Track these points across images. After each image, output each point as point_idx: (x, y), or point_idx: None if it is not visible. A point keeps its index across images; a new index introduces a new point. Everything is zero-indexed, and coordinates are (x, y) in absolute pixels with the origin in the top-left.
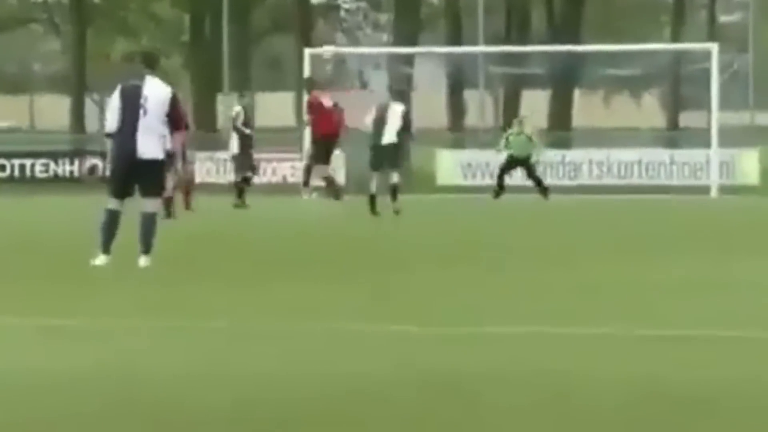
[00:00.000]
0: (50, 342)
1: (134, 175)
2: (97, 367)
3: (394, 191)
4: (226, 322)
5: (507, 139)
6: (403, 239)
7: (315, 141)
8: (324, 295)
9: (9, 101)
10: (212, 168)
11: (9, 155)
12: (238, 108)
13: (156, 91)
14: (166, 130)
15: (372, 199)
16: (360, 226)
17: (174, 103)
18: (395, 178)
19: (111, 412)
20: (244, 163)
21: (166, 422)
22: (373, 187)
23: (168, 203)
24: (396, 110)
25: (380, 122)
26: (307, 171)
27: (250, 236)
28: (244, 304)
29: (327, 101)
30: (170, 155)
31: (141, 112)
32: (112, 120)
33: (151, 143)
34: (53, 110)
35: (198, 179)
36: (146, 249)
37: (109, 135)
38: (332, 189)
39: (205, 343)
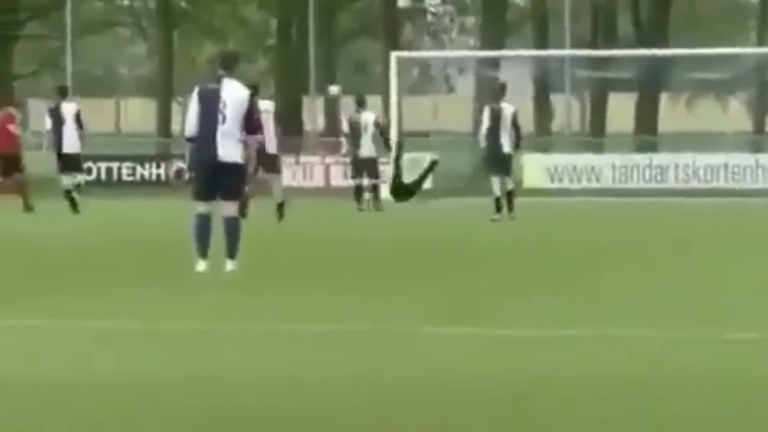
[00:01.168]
0: (140, 346)
1: (215, 179)
2: (187, 370)
3: (509, 197)
4: (310, 325)
5: None
6: (496, 241)
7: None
8: (412, 298)
9: (95, 104)
10: (298, 172)
11: (96, 158)
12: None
13: (234, 95)
14: (243, 134)
15: (497, 202)
16: (458, 228)
17: (251, 105)
18: (509, 184)
19: (200, 415)
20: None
21: (256, 425)
22: (497, 189)
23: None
24: (507, 115)
25: (495, 129)
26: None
27: (335, 240)
28: (327, 307)
29: None
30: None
31: (220, 117)
32: (191, 124)
33: (230, 148)
34: (139, 114)
35: (284, 183)
36: (232, 254)
37: (189, 139)
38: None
39: (288, 347)
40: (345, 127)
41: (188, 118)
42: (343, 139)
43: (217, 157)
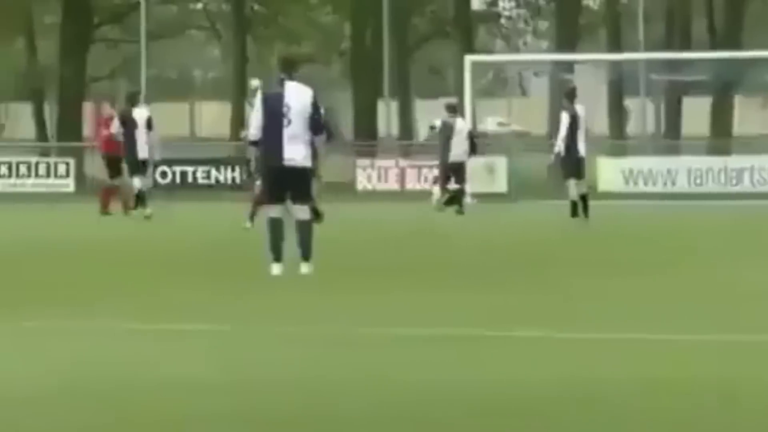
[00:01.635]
0: (217, 349)
1: (284, 183)
2: (261, 373)
3: (584, 200)
4: (402, 328)
5: None
6: (575, 243)
7: None
8: (503, 302)
9: (170, 108)
10: (373, 175)
11: (171, 162)
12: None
13: (298, 97)
14: (310, 136)
15: (574, 205)
16: (532, 232)
17: (315, 106)
18: (584, 187)
19: (279, 418)
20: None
21: (334, 427)
22: (574, 193)
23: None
24: (582, 118)
25: (572, 132)
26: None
27: (410, 242)
28: (420, 308)
29: None
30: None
31: (285, 121)
32: (255, 128)
33: (297, 151)
34: (214, 117)
35: (359, 187)
36: (306, 256)
37: (253, 143)
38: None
39: (367, 349)
40: (437, 123)
41: (252, 122)
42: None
43: (284, 161)
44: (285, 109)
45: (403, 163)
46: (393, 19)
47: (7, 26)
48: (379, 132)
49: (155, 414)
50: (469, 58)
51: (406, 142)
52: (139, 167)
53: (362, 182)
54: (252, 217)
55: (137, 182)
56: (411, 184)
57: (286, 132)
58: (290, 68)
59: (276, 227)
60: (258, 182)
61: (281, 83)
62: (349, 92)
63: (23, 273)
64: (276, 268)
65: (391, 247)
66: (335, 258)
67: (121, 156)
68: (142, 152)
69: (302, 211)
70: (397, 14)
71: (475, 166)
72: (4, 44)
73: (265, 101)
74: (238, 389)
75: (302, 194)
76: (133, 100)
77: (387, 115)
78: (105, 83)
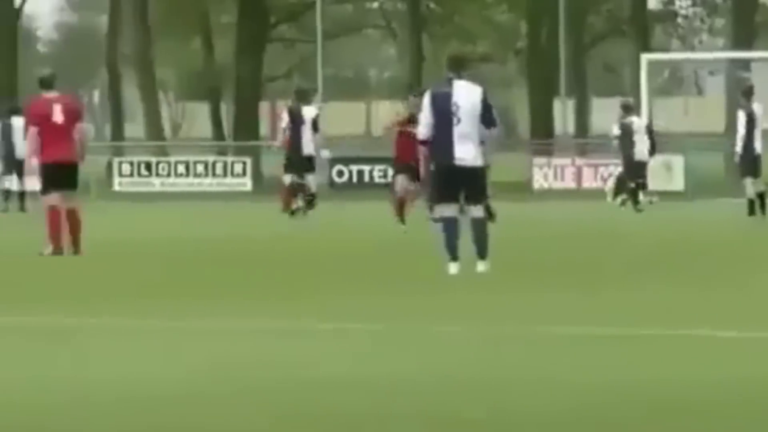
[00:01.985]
0: (396, 348)
1: (456, 182)
2: (436, 372)
3: (761, 198)
4: (570, 327)
5: None
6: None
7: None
8: (681, 299)
9: (346, 107)
10: (549, 173)
11: (347, 161)
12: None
13: (467, 96)
14: (482, 134)
15: (751, 203)
16: (709, 230)
17: (487, 103)
18: (761, 186)
19: (441, 419)
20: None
21: (512, 428)
22: (751, 191)
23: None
24: (759, 116)
25: (750, 131)
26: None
27: (588, 238)
28: (596, 306)
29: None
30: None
31: (454, 120)
32: (425, 127)
33: (468, 150)
34: (390, 116)
35: (535, 186)
36: (482, 254)
37: (423, 142)
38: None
39: (543, 348)
40: (615, 130)
41: (422, 122)
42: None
43: (455, 160)
44: (454, 108)
45: (579, 161)
46: (569, 17)
47: (184, 26)
48: (555, 130)
49: (322, 413)
50: (645, 57)
51: (583, 141)
52: (303, 164)
53: (539, 181)
54: (401, 218)
55: (290, 179)
56: (588, 183)
57: (456, 131)
58: (458, 67)
59: (450, 226)
60: (399, 180)
61: (450, 82)
62: (524, 91)
63: (194, 271)
64: (453, 267)
65: (568, 245)
66: (512, 256)
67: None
68: (307, 149)
69: (477, 210)
70: (572, 12)
71: (653, 164)
72: (182, 44)
73: (433, 100)
74: (421, 389)
75: (476, 194)
76: (302, 97)
77: (563, 114)
78: (281, 82)
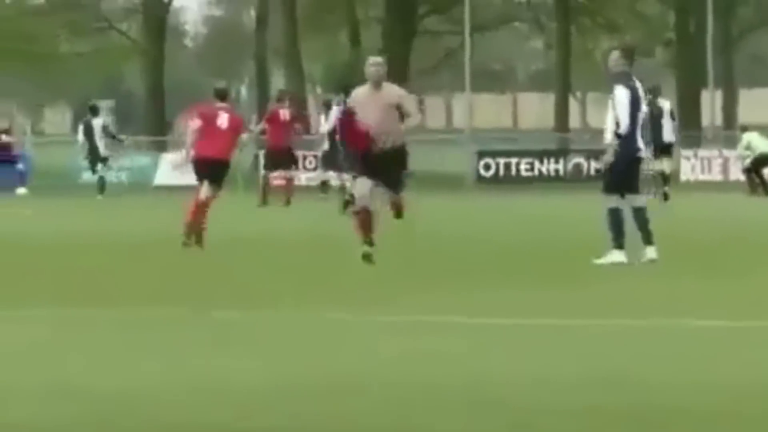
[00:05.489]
0: (552, 343)
1: (626, 173)
2: (601, 369)
3: None
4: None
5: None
6: None
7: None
8: None
9: (493, 100)
10: (696, 165)
11: (494, 154)
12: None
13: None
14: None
15: None
16: None
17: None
18: None
19: (610, 416)
20: None
21: (664, 427)
22: None
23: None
24: None
25: None
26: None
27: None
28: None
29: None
30: None
31: (639, 115)
32: (624, 119)
33: (643, 142)
34: (536, 109)
35: (682, 177)
36: (649, 240)
37: (619, 135)
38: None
39: (698, 344)
40: None
41: (620, 115)
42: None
43: (639, 152)
44: (640, 101)
45: (726, 153)
46: (717, 8)
47: (332, 19)
48: (702, 122)
49: (503, 409)
50: None
51: (730, 132)
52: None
53: (686, 173)
54: None
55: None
56: (735, 175)
57: (640, 123)
58: (631, 59)
59: (616, 216)
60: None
61: (630, 76)
62: (672, 82)
63: (339, 265)
64: (621, 255)
65: (716, 236)
66: (667, 247)
67: None
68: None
69: (639, 200)
70: (721, 3)
71: None
72: (328, 37)
73: (631, 94)
74: (600, 385)
75: (635, 183)
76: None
77: (711, 105)
78: (428, 75)
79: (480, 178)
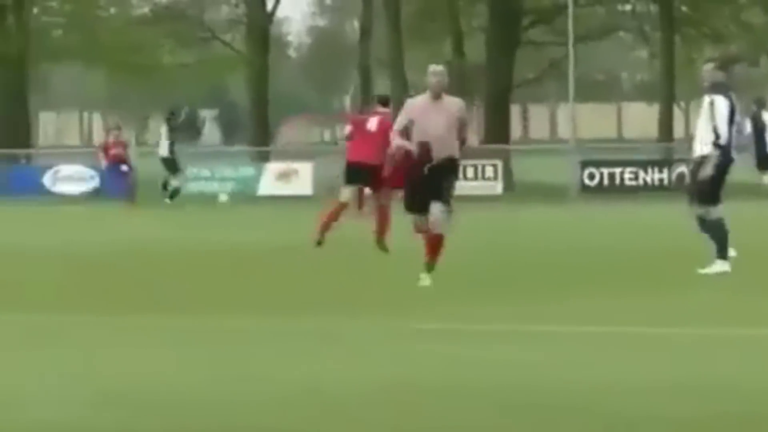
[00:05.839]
0: (649, 351)
1: (719, 183)
2: (691, 376)
3: None
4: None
5: None
6: None
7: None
8: None
9: (596, 109)
10: None
11: (598, 164)
12: None
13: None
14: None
15: None
16: None
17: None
18: None
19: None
20: None
21: None
22: None
23: None
24: None
25: None
26: None
27: None
28: None
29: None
30: None
31: (733, 125)
32: (724, 130)
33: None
34: (641, 118)
35: None
36: (722, 253)
37: (719, 146)
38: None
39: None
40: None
41: (720, 126)
42: None
43: (732, 162)
44: (735, 112)
45: None
46: None
47: (435, 30)
48: None
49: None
50: None
51: None
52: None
53: None
54: None
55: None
56: None
57: (733, 132)
58: (727, 69)
59: (723, 226)
60: None
61: (726, 86)
62: None
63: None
64: (725, 265)
65: None
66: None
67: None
68: None
69: (718, 210)
70: None
71: None
72: (432, 47)
73: (730, 105)
74: (696, 392)
75: (720, 194)
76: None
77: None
78: (531, 85)
79: (584, 188)
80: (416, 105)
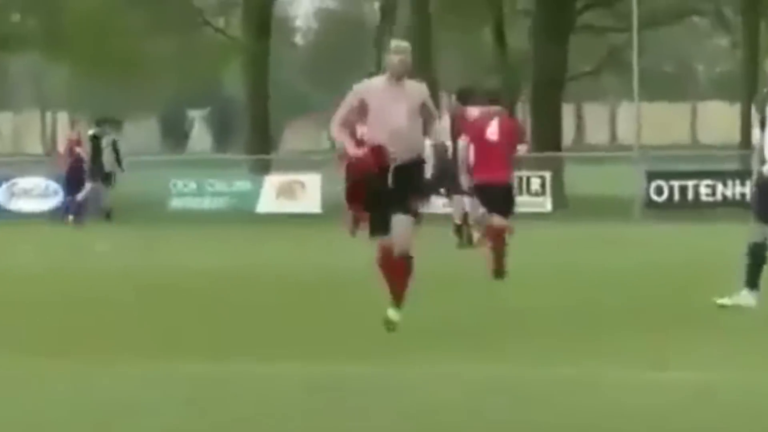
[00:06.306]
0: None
1: None
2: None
3: None
4: None
5: None
6: None
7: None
8: None
9: (666, 109)
10: None
11: (668, 175)
12: None
13: None
14: None
15: None
16: None
17: None
18: None
19: None
20: None
21: None
22: None
23: None
24: None
25: None
26: None
27: None
28: None
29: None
30: None
31: None
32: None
33: None
34: (720, 120)
35: None
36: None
37: None
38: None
39: None
40: None
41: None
42: None
43: None
44: None
45: None
46: None
47: (472, 14)
48: None
49: None
50: None
51: None
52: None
53: None
54: None
55: None
56: None
57: None
58: None
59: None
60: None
61: None
62: None
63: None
64: (752, 298)
65: None
66: None
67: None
68: None
69: None
70: None
71: None
72: (468, 35)
73: None
74: None
75: None
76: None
77: None
78: (586, 80)
79: (650, 204)
80: (372, 87)
